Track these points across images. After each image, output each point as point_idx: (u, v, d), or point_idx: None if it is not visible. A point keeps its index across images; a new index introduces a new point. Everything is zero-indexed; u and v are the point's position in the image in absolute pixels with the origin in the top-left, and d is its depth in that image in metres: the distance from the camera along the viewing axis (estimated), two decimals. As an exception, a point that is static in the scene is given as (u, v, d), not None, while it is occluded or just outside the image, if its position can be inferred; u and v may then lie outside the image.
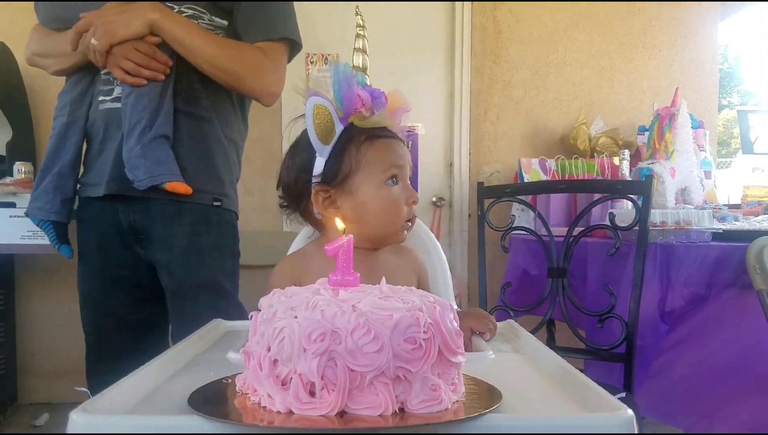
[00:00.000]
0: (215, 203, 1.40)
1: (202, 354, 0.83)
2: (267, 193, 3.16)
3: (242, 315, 1.31)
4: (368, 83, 0.93)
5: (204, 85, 1.39)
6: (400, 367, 0.52)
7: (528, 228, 1.84)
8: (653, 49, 3.30)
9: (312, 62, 3.08)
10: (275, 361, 0.54)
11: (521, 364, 0.75)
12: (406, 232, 0.96)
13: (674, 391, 1.78)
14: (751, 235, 1.70)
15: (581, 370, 0.64)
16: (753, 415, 1.67)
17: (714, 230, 1.85)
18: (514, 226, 1.81)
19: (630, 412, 0.50)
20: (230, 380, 0.65)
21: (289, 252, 1.14)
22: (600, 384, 0.59)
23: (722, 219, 2.08)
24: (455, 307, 1.26)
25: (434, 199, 3.25)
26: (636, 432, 0.49)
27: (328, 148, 0.91)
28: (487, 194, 1.88)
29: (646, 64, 3.30)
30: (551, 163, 2.97)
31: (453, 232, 3.27)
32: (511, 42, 3.25)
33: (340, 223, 0.66)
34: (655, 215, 1.85)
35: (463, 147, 3.25)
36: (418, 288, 0.65)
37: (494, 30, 3.24)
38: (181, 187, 1.32)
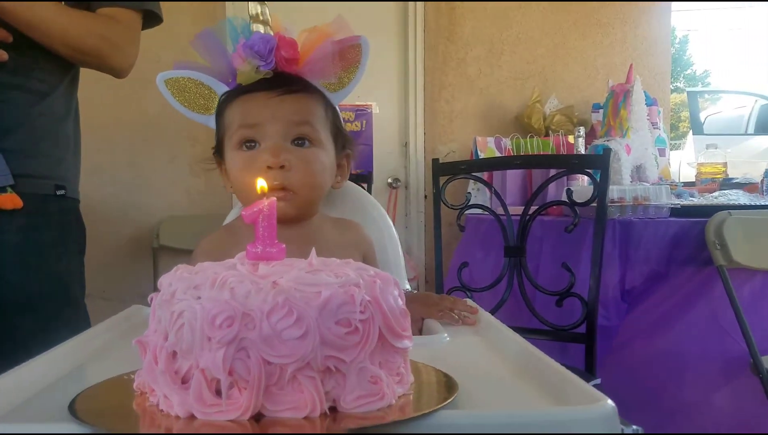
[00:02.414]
0: (59, 192, 1.15)
1: (110, 345, 0.71)
2: (213, 174, 2.98)
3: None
4: (262, 31, 0.78)
5: (38, 51, 1.12)
6: (330, 357, 0.42)
7: (484, 205, 1.77)
8: (607, 26, 3.26)
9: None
10: (173, 353, 0.43)
11: (480, 348, 0.66)
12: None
13: (631, 381, 1.72)
14: (709, 211, 1.66)
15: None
16: (711, 417, 1.62)
17: (672, 205, 1.82)
18: (469, 204, 1.73)
19: (611, 403, 0.41)
20: (132, 376, 0.53)
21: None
22: (565, 367, 0.50)
23: (678, 195, 2.05)
24: (409, 289, 1.15)
25: (390, 180, 3.16)
26: (619, 426, 0.40)
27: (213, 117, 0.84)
28: (443, 171, 1.80)
29: (599, 41, 3.26)
30: (506, 142, 2.92)
31: (410, 214, 3.18)
32: (465, 19, 3.16)
33: (261, 182, 0.55)
34: (612, 192, 1.80)
35: (419, 126, 3.16)
36: None
37: (447, 6, 3.14)
38: (8, 202, 1.06)
